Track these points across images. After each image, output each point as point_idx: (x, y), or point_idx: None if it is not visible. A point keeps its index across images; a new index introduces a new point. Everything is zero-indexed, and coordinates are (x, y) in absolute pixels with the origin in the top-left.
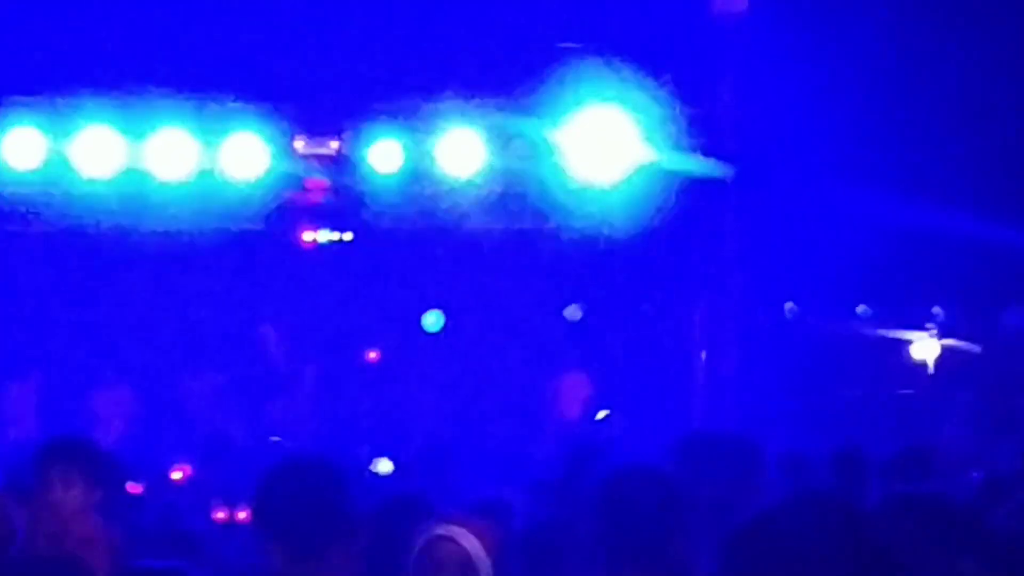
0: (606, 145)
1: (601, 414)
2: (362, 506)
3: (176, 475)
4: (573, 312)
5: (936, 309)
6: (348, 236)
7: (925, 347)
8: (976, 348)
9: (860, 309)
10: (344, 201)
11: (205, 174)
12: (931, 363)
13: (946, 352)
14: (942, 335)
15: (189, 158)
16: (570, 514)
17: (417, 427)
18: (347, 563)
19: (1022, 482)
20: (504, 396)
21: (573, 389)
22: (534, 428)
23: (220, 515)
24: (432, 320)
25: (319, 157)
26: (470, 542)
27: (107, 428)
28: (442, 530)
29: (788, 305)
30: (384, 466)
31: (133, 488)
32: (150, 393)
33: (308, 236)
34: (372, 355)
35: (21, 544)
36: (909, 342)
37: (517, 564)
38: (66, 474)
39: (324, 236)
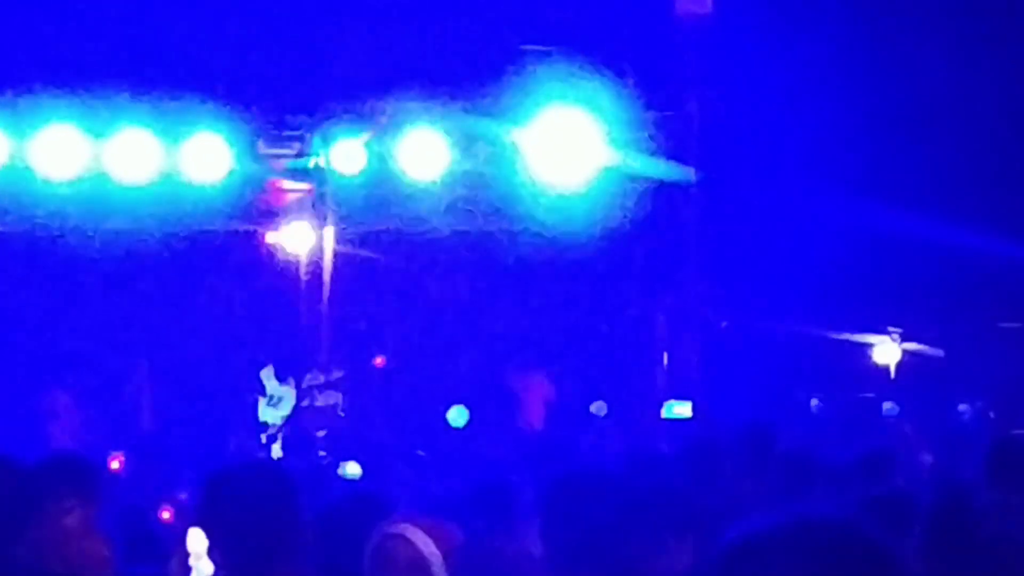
0: (569, 148)
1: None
2: (321, 509)
3: (113, 464)
4: (599, 408)
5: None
6: (313, 237)
7: (887, 351)
8: (939, 352)
9: (813, 403)
10: (308, 203)
11: (167, 176)
12: (892, 367)
13: (907, 356)
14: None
15: (151, 159)
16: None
17: (381, 431)
18: (296, 571)
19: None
20: (466, 398)
21: (535, 390)
22: (495, 430)
23: (166, 515)
24: (456, 415)
25: (282, 159)
26: (423, 541)
27: (60, 428)
28: (395, 529)
29: (814, 402)
30: (352, 469)
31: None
32: (107, 394)
33: (271, 237)
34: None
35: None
36: (871, 346)
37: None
38: (68, 497)
39: (287, 237)
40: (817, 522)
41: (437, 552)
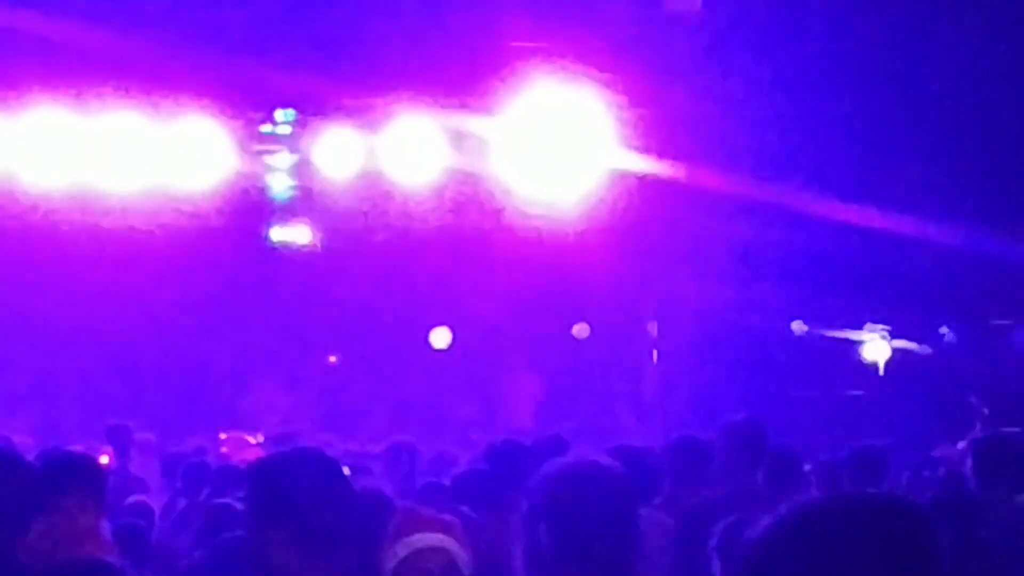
0: (559, 144)
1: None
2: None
3: (103, 459)
4: (581, 330)
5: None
6: (304, 235)
7: (876, 349)
8: (927, 350)
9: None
10: (300, 201)
11: (158, 173)
12: (882, 365)
13: (897, 354)
14: (893, 337)
15: (143, 155)
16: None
17: (372, 426)
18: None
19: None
20: (456, 393)
21: (524, 390)
22: (485, 427)
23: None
24: (438, 336)
25: (276, 158)
26: (448, 543)
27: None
28: (420, 542)
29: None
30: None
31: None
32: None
33: (262, 234)
34: (332, 359)
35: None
36: (860, 343)
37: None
38: (73, 495)
39: (278, 235)
40: (864, 498)
41: (460, 548)
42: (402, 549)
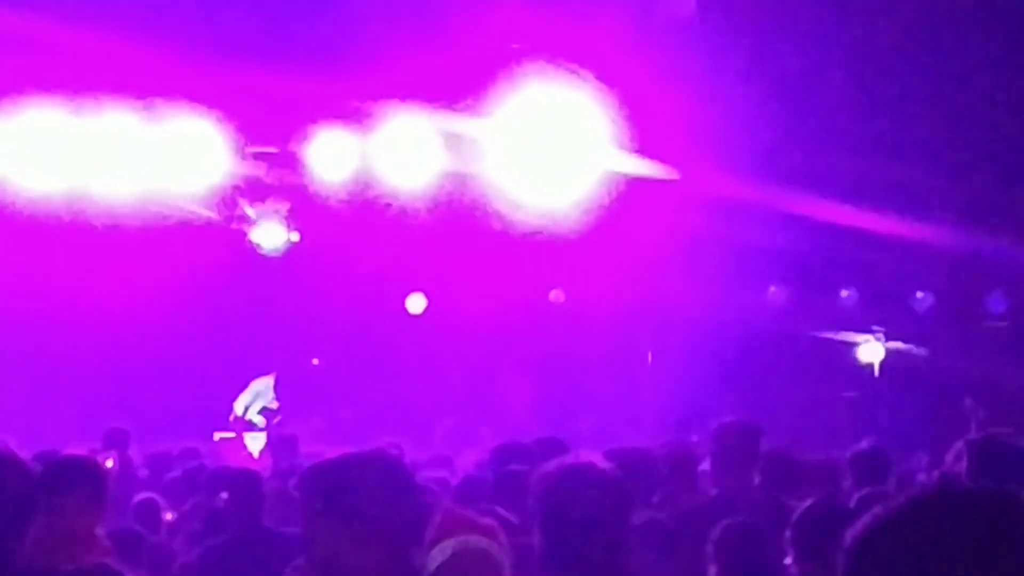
0: (554, 147)
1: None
2: None
3: (108, 463)
4: (557, 295)
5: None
6: (295, 237)
7: (871, 350)
8: (922, 351)
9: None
10: (292, 202)
11: (149, 172)
12: (876, 366)
13: (891, 355)
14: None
15: (134, 154)
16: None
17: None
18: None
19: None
20: (451, 391)
21: (519, 393)
22: (480, 424)
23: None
24: (414, 302)
25: (267, 158)
26: (490, 546)
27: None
28: (461, 546)
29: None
30: None
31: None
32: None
33: (253, 236)
34: (315, 361)
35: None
36: (855, 344)
37: None
38: (80, 500)
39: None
40: (979, 491)
41: (502, 552)
42: (443, 551)
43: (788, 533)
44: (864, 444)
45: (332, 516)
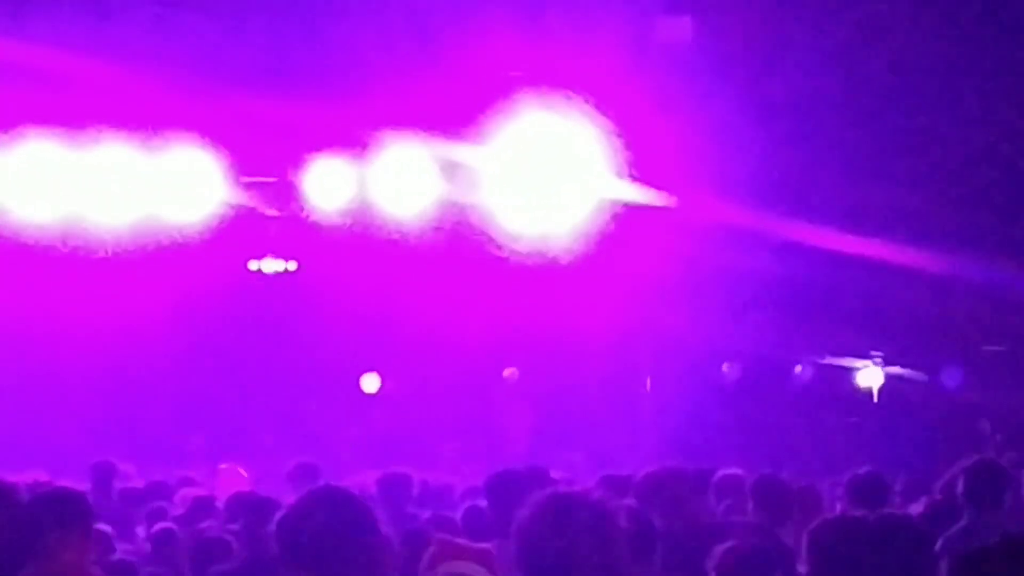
0: (551, 174)
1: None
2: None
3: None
4: (512, 374)
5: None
6: (292, 266)
7: (870, 375)
8: (921, 376)
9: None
10: (289, 231)
11: (148, 202)
12: (875, 391)
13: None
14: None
15: (133, 185)
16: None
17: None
18: None
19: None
20: (450, 420)
21: (516, 418)
22: (478, 453)
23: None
24: (369, 382)
25: (264, 187)
26: (477, 572)
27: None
28: (455, 570)
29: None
30: None
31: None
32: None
33: (254, 265)
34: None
35: None
36: (855, 370)
37: None
38: (64, 531)
39: (269, 266)
40: None
41: None
42: None
43: (804, 542)
44: (863, 470)
45: (289, 558)
